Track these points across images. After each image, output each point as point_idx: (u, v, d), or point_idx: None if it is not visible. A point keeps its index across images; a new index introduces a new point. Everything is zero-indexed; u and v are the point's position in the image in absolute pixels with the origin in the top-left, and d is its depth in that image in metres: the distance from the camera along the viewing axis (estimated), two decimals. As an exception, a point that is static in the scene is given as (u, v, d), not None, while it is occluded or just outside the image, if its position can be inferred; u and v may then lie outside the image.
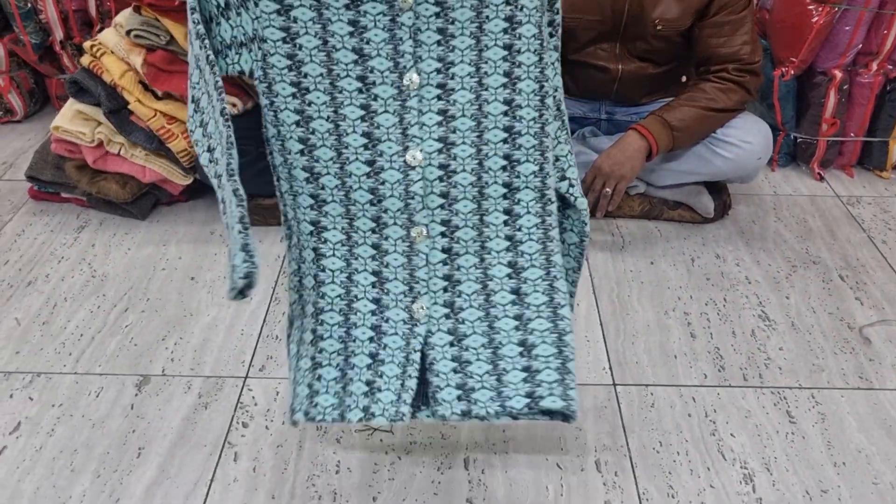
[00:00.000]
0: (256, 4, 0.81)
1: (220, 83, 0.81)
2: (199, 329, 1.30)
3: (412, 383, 0.88)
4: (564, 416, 0.88)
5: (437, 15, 0.82)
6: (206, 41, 0.82)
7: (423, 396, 0.90)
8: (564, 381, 0.87)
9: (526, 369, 0.88)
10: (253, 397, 1.17)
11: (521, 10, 0.82)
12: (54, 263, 1.46)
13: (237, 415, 1.14)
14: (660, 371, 1.22)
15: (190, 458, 1.07)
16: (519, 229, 0.88)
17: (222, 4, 0.83)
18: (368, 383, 0.89)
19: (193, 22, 0.82)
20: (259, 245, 1.51)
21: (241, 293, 0.73)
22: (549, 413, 0.88)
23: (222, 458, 1.07)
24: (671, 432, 1.12)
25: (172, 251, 1.49)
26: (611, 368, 1.23)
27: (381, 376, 0.89)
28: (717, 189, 1.58)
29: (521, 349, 0.89)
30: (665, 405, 1.16)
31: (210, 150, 0.84)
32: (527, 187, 0.87)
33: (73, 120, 1.49)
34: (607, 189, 1.40)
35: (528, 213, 0.88)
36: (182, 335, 1.29)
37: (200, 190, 1.63)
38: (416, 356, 0.89)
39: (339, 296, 0.90)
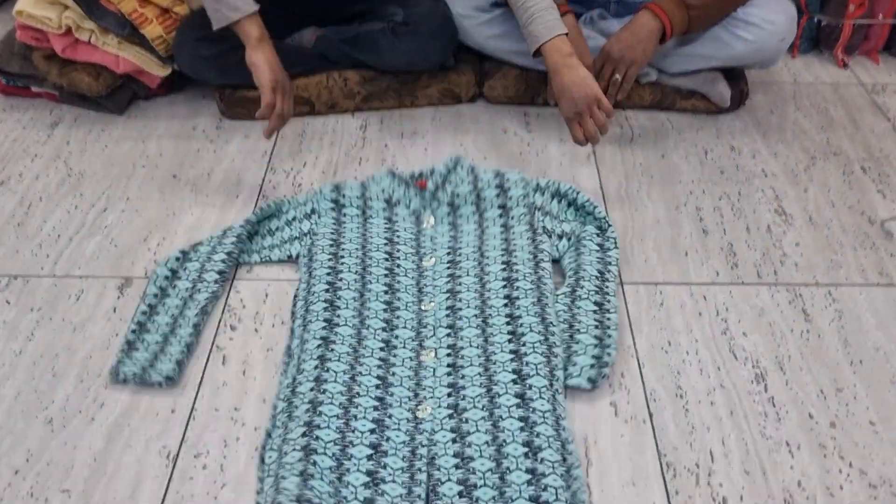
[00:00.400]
0: (320, 217, 1.17)
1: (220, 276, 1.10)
2: (182, 229, 1.23)
3: (423, 477, 0.85)
4: None
5: (451, 224, 1.17)
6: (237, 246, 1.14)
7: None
8: (571, 485, 0.85)
9: (531, 471, 0.86)
10: (241, 300, 1.11)
11: (511, 216, 1.16)
12: (27, 161, 1.37)
13: (224, 318, 1.08)
14: (670, 269, 1.16)
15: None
16: (523, 344, 0.98)
17: (290, 219, 1.18)
18: (370, 474, 0.85)
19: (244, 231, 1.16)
20: (245, 140, 1.42)
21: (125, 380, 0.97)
22: None
23: (210, 361, 1.02)
24: (681, 332, 1.07)
25: (152, 148, 1.41)
26: (618, 266, 1.16)
27: (384, 468, 0.86)
28: (734, 77, 1.47)
29: (526, 450, 0.88)
30: (675, 304, 1.11)
31: (176, 277, 1.11)
32: (528, 314, 1.02)
33: (37, 4, 1.37)
34: (617, 75, 1.30)
35: (532, 330, 1.00)
36: (165, 235, 1.22)
37: (180, 82, 1.52)
38: (424, 451, 0.88)
39: (340, 392, 0.92)
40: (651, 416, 0.96)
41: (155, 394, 0.98)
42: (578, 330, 1.02)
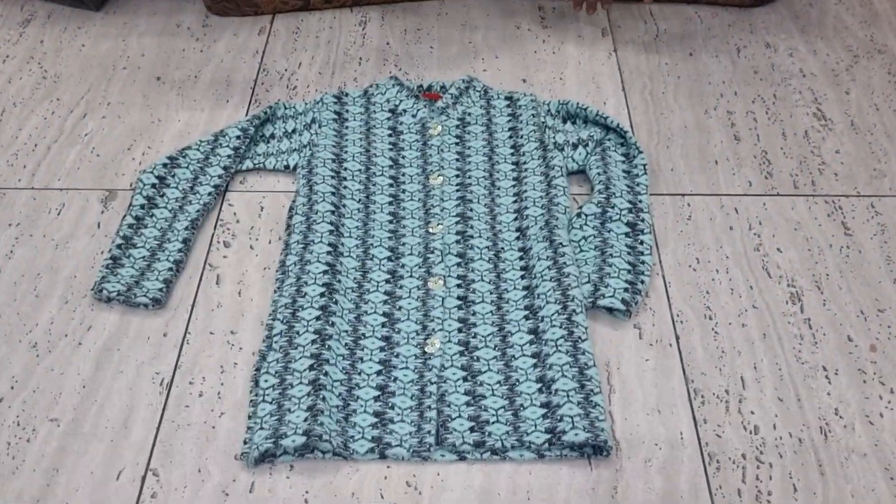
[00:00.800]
0: (321, 127, 1.09)
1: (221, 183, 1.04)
2: (168, 137, 1.13)
3: (433, 414, 0.81)
4: (596, 447, 0.79)
5: (458, 138, 1.09)
6: (236, 157, 1.06)
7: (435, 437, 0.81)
8: (589, 413, 0.80)
9: (545, 405, 0.82)
10: (234, 213, 1.03)
11: (521, 135, 1.09)
12: (-2, 63, 1.26)
13: (217, 233, 1.00)
14: (698, 179, 1.07)
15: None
16: (534, 276, 0.93)
17: (289, 130, 1.10)
18: (377, 414, 0.82)
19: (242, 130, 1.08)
20: (234, 38, 1.30)
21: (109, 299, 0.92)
22: (578, 447, 0.79)
23: (203, 281, 0.95)
24: (710, 248, 0.99)
25: (134, 47, 1.29)
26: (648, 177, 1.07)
27: (392, 408, 0.82)
28: (771, -36, 1.33)
29: (539, 385, 0.83)
30: (704, 217, 1.02)
31: (165, 184, 1.03)
32: (537, 242, 0.96)
33: None
34: None
35: (541, 258, 0.94)
36: (150, 144, 1.12)
37: (162, -27, 1.39)
38: (433, 388, 0.84)
39: (346, 331, 0.88)
40: (678, 339, 0.89)
41: (145, 316, 0.91)
42: (611, 255, 0.94)
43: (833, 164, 1.09)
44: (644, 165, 1.04)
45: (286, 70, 1.24)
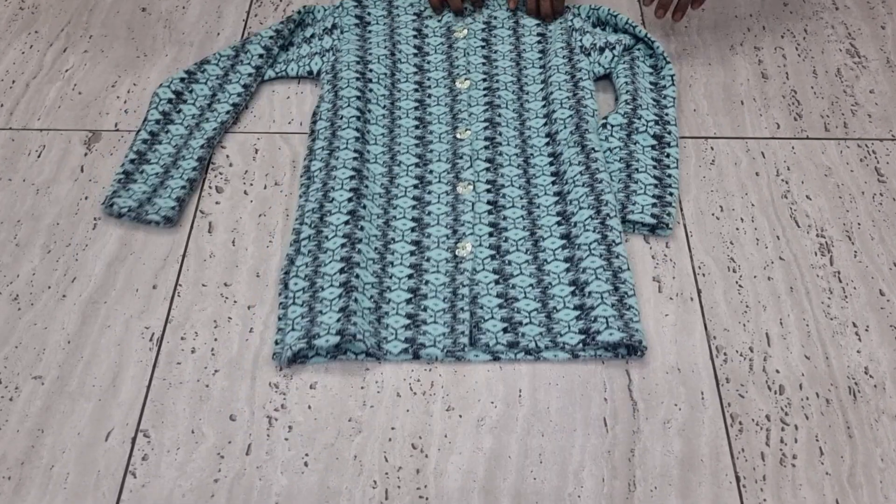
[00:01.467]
0: (342, 32, 1.06)
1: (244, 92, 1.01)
2: (156, 72, 1.05)
3: (465, 315, 0.80)
4: (630, 347, 0.77)
5: (484, 41, 1.06)
6: (263, 66, 1.03)
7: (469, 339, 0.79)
8: (623, 315, 0.79)
9: (579, 307, 0.80)
10: (227, 156, 0.96)
11: (549, 39, 1.06)
12: (-29, -8, 1.18)
13: (209, 177, 0.94)
14: (722, 120, 1.00)
15: (156, 230, 0.89)
16: (566, 182, 0.89)
17: (308, 36, 1.07)
18: (410, 316, 0.80)
19: (269, 38, 1.04)
20: (224, -34, 1.20)
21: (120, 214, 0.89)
22: (612, 347, 0.77)
23: (194, 229, 0.89)
24: (734, 194, 0.92)
25: (116, -25, 1.20)
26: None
27: (424, 310, 0.81)
28: None
29: (572, 288, 0.82)
30: (728, 162, 0.96)
31: (181, 100, 0.99)
32: (568, 147, 0.92)
33: None
34: None
35: (572, 164, 0.90)
36: (136, 80, 1.05)
37: None
38: (465, 290, 0.82)
39: (375, 236, 0.86)
40: (699, 292, 0.84)
41: (133, 265, 0.86)
42: (637, 169, 0.91)
43: (867, 105, 1.02)
44: (672, 77, 1.00)
45: (281, 0, 1.15)
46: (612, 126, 0.95)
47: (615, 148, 0.93)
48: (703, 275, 0.86)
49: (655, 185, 0.90)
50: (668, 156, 0.93)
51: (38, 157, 0.96)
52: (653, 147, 0.93)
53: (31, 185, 0.93)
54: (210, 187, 0.93)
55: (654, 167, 0.91)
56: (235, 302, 0.83)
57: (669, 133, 0.94)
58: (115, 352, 0.79)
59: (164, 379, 0.78)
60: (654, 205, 0.88)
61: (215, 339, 0.80)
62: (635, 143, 0.93)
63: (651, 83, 1.00)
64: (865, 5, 1.15)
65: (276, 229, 0.89)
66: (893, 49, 1.09)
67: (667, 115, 0.96)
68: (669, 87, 0.99)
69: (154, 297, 0.84)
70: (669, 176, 0.91)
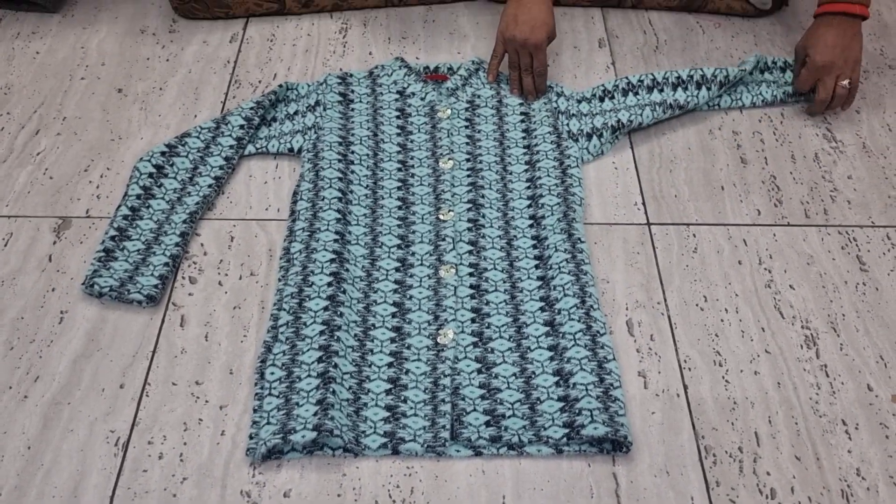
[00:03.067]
0: (325, 110, 1.05)
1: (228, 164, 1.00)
2: (130, 157, 1.03)
3: (447, 408, 0.77)
4: (615, 443, 0.75)
5: (468, 121, 1.05)
6: (246, 137, 1.02)
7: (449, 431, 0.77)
8: (609, 408, 0.77)
9: (563, 399, 0.78)
10: (202, 244, 0.94)
11: (533, 119, 1.05)
12: (-57, 71, 1.16)
13: (182, 267, 0.91)
14: (703, 206, 1.00)
15: (125, 324, 0.86)
16: (550, 267, 0.89)
17: (291, 112, 1.06)
18: (389, 408, 0.78)
19: (248, 112, 1.04)
20: (203, 46, 1.20)
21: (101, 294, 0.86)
22: (597, 442, 0.75)
23: (166, 323, 0.86)
24: (718, 284, 0.91)
25: (93, 54, 1.19)
26: (644, 204, 1.00)
27: (404, 401, 0.78)
28: (776, -28, 1.26)
29: (556, 378, 0.80)
30: (711, 249, 0.95)
31: (163, 174, 0.97)
32: (554, 233, 0.92)
33: None
34: (844, 83, 1.06)
35: (558, 250, 0.90)
36: (110, 165, 1.03)
37: (125, -26, 1.29)
38: (447, 381, 0.80)
39: (355, 322, 0.84)
40: (686, 388, 0.82)
41: (99, 362, 0.82)
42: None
43: (845, 191, 1.03)
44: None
45: (260, 82, 1.15)
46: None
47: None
48: (689, 369, 0.84)
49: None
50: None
51: (5, 245, 0.93)
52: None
53: (-5, 276, 0.90)
54: (183, 278, 0.90)
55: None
56: (207, 402, 0.80)
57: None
58: (77, 458, 0.75)
59: (129, 488, 0.74)
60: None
61: (184, 444, 0.77)
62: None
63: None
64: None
65: (251, 323, 0.86)
66: (869, 134, 1.10)
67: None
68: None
69: (121, 396, 0.80)
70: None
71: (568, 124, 1.05)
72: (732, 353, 0.85)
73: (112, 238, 0.90)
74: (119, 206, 0.93)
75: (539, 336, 0.84)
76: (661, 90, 1.06)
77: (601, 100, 1.07)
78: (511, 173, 1.00)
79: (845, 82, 1.07)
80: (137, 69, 1.16)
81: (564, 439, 0.75)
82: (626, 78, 1.08)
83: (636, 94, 1.07)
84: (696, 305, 0.89)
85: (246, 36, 1.22)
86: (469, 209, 0.95)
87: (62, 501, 0.72)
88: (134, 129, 1.07)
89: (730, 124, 1.10)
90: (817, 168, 1.05)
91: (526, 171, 1.00)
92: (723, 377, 0.83)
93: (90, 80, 1.15)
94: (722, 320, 0.88)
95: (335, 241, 0.89)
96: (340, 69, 1.15)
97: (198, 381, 0.81)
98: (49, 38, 1.21)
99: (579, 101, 1.08)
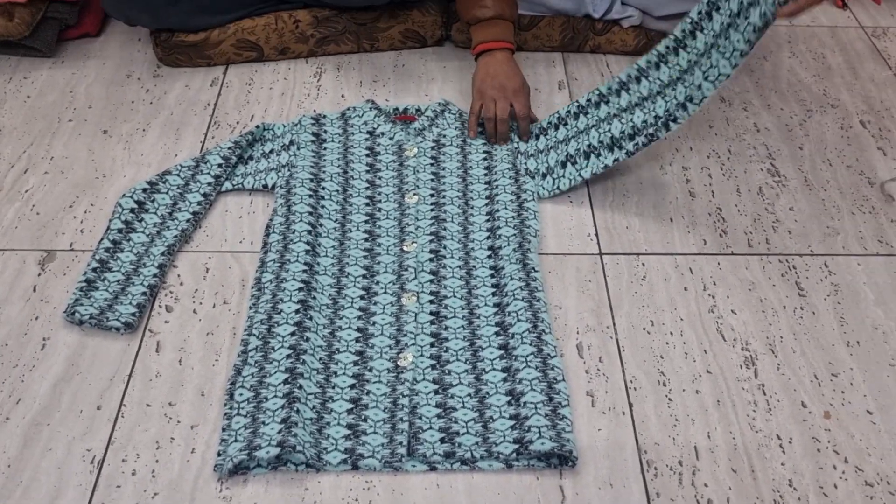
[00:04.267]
0: (299, 149, 1.11)
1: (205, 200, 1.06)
2: (113, 194, 1.10)
3: (405, 426, 0.83)
4: (561, 457, 0.80)
5: (433, 159, 1.12)
6: (220, 178, 1.09)
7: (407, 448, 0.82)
8: (556, 425, 0.82)
9: (514, 417, 0.84)
10: (178, 275, 0.99)
11: (494, 158, 1.13)
12: (-62, 114, 1.22)
13: (159, 297, 0.97)
14: (653, 237, 1.06)
15: (104, 349, 0.91)
16: (505, 294, 0.94)
17: (267, 151, 1.13)
18: (350, 426, 0.83)
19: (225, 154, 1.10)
20: (185, 90, 1.27)
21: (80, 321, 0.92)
22: (545, 456, 0.81)
23: (142, 348, 0.91)
24: (664, 309, 0.97)
25: (81, 98, 1.26)
26: (597, 235, 1.06)
27: (365, 420, 0.84)
28: (725, 18, 1.34)
29: (508, 398, 0.85)
30: (658, 277, 1.01)
31: (144, 209, 1.03)
32: (510, 263, 0.98)
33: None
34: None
35: (513, 278, 0.96)
36: (94, 201, 1.09)
37: (115, 20, 1.36)
38: (405, 401, 0.85)
39: (321, 346, 0.90)
40: (631, 406, 0.88)
41: (79, 386, 0.87)
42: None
43: (787, 222, 1.09)
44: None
45: (238, 123, 1.21)
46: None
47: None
48: (635, 389, 0.89)
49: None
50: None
51: (-8, 277, 0.99)
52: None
53: (-18, 306, 0.95)
54: (160, 306, 0.96)
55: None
56: (179, 422, 0.85)
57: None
58: (54, 475, 0.80)
59: (103, 503, 0.78)
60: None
61: (156, 461, 0.81)
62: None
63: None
64: (784, 128, 1.24)
65: (223, 348, 0.92)
66: (811, 168, 1.17)
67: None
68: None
69: (98, 417, 0.85)
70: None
71: (526, 163, 1.12)
72: (676, 373, 0.91)
73: (94, 269, 0.95)
74: (101, 240, 0.99)
75: (493, 359, 0.89)
76: (608, 101, 1.10)
77: (556, 127, 1.14)
78: (472, 207, 1.06)
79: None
80: (122, 111, 1.23)
81: (514, 454, 0.80)
82: (577, 101, 1.13)
83: (586, 114, 1.12)
84: (644, 329, 0.95)
85: (226, 80, 1.29)
86: (431, 240, 1.01)
87: (39, 516, 0.77)
88: (118, 168, 1.14)
89: (680, 160, 1.18)
90: (761, 201, 1.12)
91: (486, 204, 1.06)
92: (666, 396, 0.89)
93: (77, 121, 1.21)
94: (667, 343, 0.94)
95: (304, 271, 0.95)
96: (314, 111, 1.22)
97: (171, 402, 0.86)
98: (40, 83, 1.28)
99: (537, 137, 1.14)
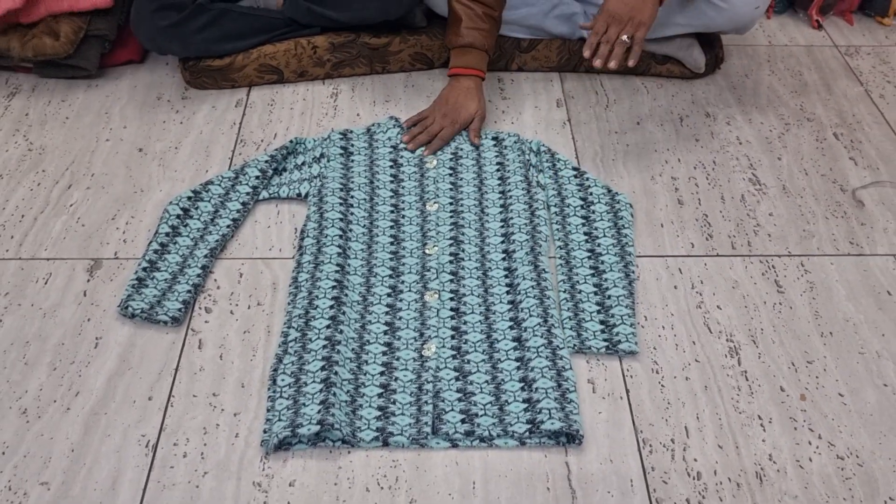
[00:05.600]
0: (329, 161, 1.22)
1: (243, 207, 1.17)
2: (151, 206, 1.20)
3: (429, 408, 0.93)
4: (569, 436, 0.91)
5: (451, 170, 1.23)
6: (258, 187, 1.20)
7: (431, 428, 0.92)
8: (564, 407, 0.92)
9: (527, 401, 0.94)
10: (215, 280, 1.09)
11: (507, 169, 1.24)
12: (-15, 136, 1.32)
13: (199, 299, 1.07)
14: (646, 241, 1.17)
15: (152, 346, 1.01)
16: (518, 293, 1.04)
17: (299, 163, 1.24)
18: (381, 409, 0.93)
19: (263, 167, 1.22)
20: (212, 110, 1.38)
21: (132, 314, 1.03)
22: (554, 435, 0.91)
23: (186, 345, 1.01)
24: (656, 305, 1.08)
25: (116, 119, 1.36)
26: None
27: (393, 403, 0.94)
28: (709, 42, 1.45)
29: (522, 384, 0.95)
30: (650, 277, 1.11)
31: (188, 216, 1.14)
32: (523, 265, 1.08)
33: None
34: (624, 37, 1.14)
35: (525, 278, 1.06)
36: (134, 214, 1.19)
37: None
38: (430, 385, 0.95)
39: (353, 338, 0.99)
40: (628, 392, 0.98)
41: (131, 379, 0.97)
42: (580, 300, 1.05)
43: (767, 226, 1.20)
44: (620, 206, 1.18)
45: (262, 140, 1.32)
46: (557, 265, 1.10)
47: (560, 282, 1.08)
48: (631, 376, 0.99)
49: (598, 311, 1.04)
50: (605, 279, 1.07)
51: (45, 283, 1.08)
52: (592, 275, 1.08)
53: (38, 310, 1.05)
54: (200, 308, 1.06)
55: (595, 293, 1.06)
56: (223, 410, 0.94)
57: (602, 262, 1.09)
58: (114, 458, 0.89)
59: (159, 482, 0.87)
60: (602, 331, 1.01)
61: (205, 444, 0.91)
62: (576, 275, 1.08)
63: (585, 214, 1.16)
64: (764, 141, 1.35)
65: (259, 344, 1.01)
66: (788, 177, 1.28)
67: (598, 245, 1.12)
68: (621, 219, 1.15)
69: (149, 407, 0.94)
70: (609, 297, 1.05)
71: (538, 176, 1.22)
72: (668, 362, 1.01)
73: (144, 269, 1.06)
74: (150, 242, 1.09)
75: (508, 350, 0.99)
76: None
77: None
78: (487, 214, 1.17)
79: (625, 37, 1.13)
80: (155, 131, 1.33)
81: (527, 433, 0.90)
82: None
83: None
84: (638, 324, 1.05)
85: (249, 101, 1.40)
86: (451, 244, 1.12)
87: (103, 493, 0.86)
88: (154, 183, 1.24)
89: (669, 171, 1.28)
90: (743, 207, 1.23)
91: (500, 212, 1.17)
92: (659, 382, 0.99)
93: (114, 140, 1.31)
94: (659, 335, 1.04)
95: (336, 271, 1.05)
96: (332, 129, 1.33)
97: (215, 393, 0.96)
98: (77, 105, 1.38)
99: (545, 161, 1.25)
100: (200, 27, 1.30)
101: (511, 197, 1.19)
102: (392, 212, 1.17)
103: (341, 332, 0.98)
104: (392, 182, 1.21)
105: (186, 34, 1.31)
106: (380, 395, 0.94)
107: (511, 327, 1.01)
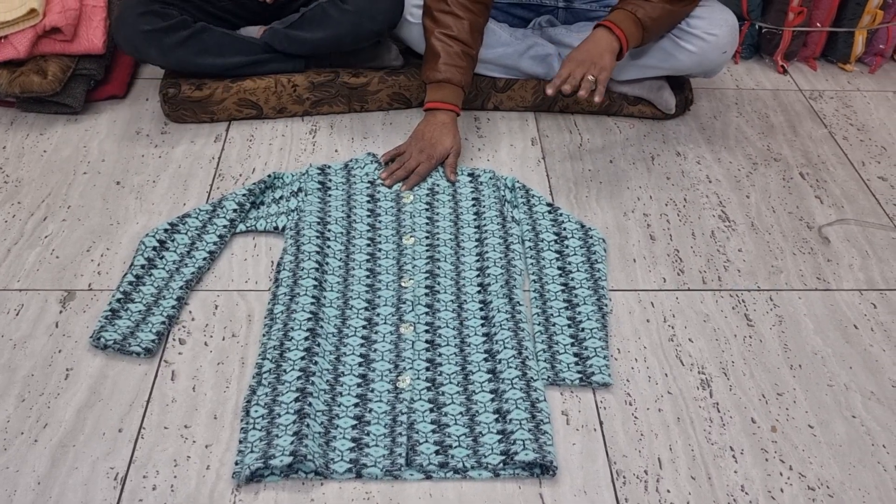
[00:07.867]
0: (306, 195, 1.23)
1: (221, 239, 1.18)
2: (127, 239, 1.20)
3: (403, 439, 0.92)
4: (543, 467, 0.91)
5: (428, 205, 1.25)
6: (235, 219, 1.20)
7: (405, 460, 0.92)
8: (539, 438, 0.92)
9: (501, 432, 0.94)
10: (190, 311, 1.09)
11: (483, 204, 1.25)
12: (-39, 168, 1.32)
13: (173, 331, 1.06)
14: (619, 276, 1.18)
15: (123, 378, 1.00)
16: (493, 325, 1.05)
17: (277, 197, 1.25)
18: (354, 440, 0.93)
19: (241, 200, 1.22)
20: (191, 145, 1.39)
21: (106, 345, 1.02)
22: (528, 466, 0.91)
23: (158, 377, 1.00)
24: (629, 339, 1.09)
25: (94, 152, 1.36)
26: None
27: (367, 434, 0.93)
28: (679, 84, 1.50)
29: (496, 416, 0.96)
30: (623, 311, 1.13)
31: (164, 248, 1.14)
32: (497, 298, 1.09)
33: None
34: (590, 77, 1.21)
35: (500, 311, 1.07)
36: (109, 246, 1.18)
37: (139, 84, 1.48)
38: (404, 417, 0.95)
39: (327, 369, 0.99)
40: (601, 424, 0.98)
41: (101, 411, 0.96)
42: (554, 332, 1.06)
43: (736, 262, 1.22)
44: (593, 244, 1.20)
45: (241, 175, 1.33)
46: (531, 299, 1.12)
47: (534, 315, 1.09)
48: (605, 408, 1.00)
49: (572, 343, 1.05)
50: (579, 312, 1.08)
51: (17, 314, 1.07)
52: (566, 308, 1.09)
53: (8, 340, 1.04)
54: (174, 339, 1.05)
55: (569, 326, 1.07)
56: (194, 442, 0.93)
57: (576, 296, 1.11)
58: (81, 491, 0.88)
59: (127, 515, 0.86)
60: (576, 363, 1.02)
61: (175, 477, 0.90)
62: (551, 308, 1.10)
63: (560, 249, 1.18)
64: (733, 179, 1.39)
65: (233, 376, 1.01)
66: (757, 215, 1.31)
67: (572, 279, 1.14)
68: (594, 254, 1.17)
69: (119, 439, 0.93)
70: (583, 330, 1.06)
71: (512, 212, 1.24)
72: (640, 394, 1.02)
73: (118, 300, 1.05)
74: (125, 274, 1.09)
75: (482, 382, 1.00)
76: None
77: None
78: (463, 248, 1.18)
79: (591, 77, 1.19)
80: (133, 165, 1.34)
81: (501, 464, 0.90)
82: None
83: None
84: (612, 356, 1.06)
85: (228, 136, 1.41)
86: (426, 277, 1.13)
87: (68, 527, 0.84)
88: (130, 216, 1.24)
89: (641, 208, 1.31)
90: (713, 243, 1.25)
91: (476, 246, 1.18)
92: (632, 414, 0.99)
93: (91, 174, 1.32)
94: (632, 368, 1.05)
95: (312, 303, 1.05)
96: (310, 164, 1.34)
97: (186, 424, 0.95)
98: (55, 139, 1.39)
99: (519, 197, 1.27)
100: (182, 39, 1.32)
101: (486, 231, 1.20)
102: (368, 245, 1.17)
103: (316, 363, 0.98)
104: (369, 216, 1.22)
105: (166, 42, 1.32)
106: (354, 427, 0.94)
107: (486, 359, 1.02)
